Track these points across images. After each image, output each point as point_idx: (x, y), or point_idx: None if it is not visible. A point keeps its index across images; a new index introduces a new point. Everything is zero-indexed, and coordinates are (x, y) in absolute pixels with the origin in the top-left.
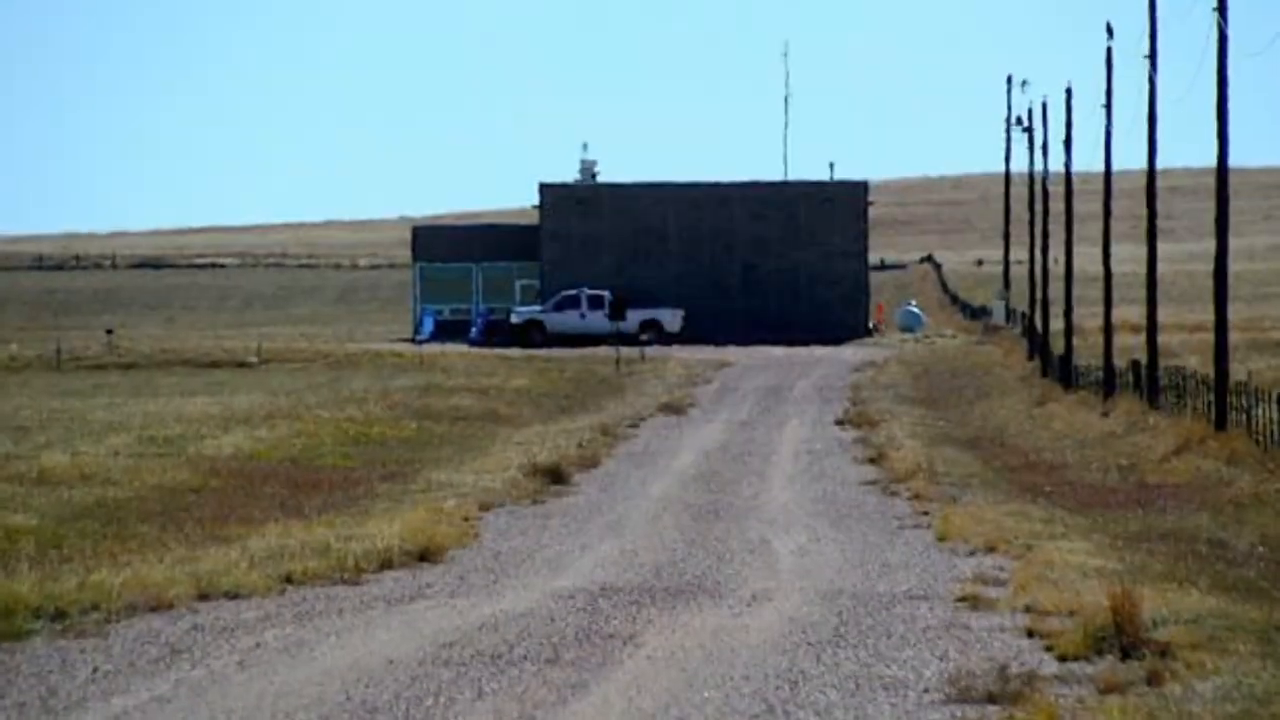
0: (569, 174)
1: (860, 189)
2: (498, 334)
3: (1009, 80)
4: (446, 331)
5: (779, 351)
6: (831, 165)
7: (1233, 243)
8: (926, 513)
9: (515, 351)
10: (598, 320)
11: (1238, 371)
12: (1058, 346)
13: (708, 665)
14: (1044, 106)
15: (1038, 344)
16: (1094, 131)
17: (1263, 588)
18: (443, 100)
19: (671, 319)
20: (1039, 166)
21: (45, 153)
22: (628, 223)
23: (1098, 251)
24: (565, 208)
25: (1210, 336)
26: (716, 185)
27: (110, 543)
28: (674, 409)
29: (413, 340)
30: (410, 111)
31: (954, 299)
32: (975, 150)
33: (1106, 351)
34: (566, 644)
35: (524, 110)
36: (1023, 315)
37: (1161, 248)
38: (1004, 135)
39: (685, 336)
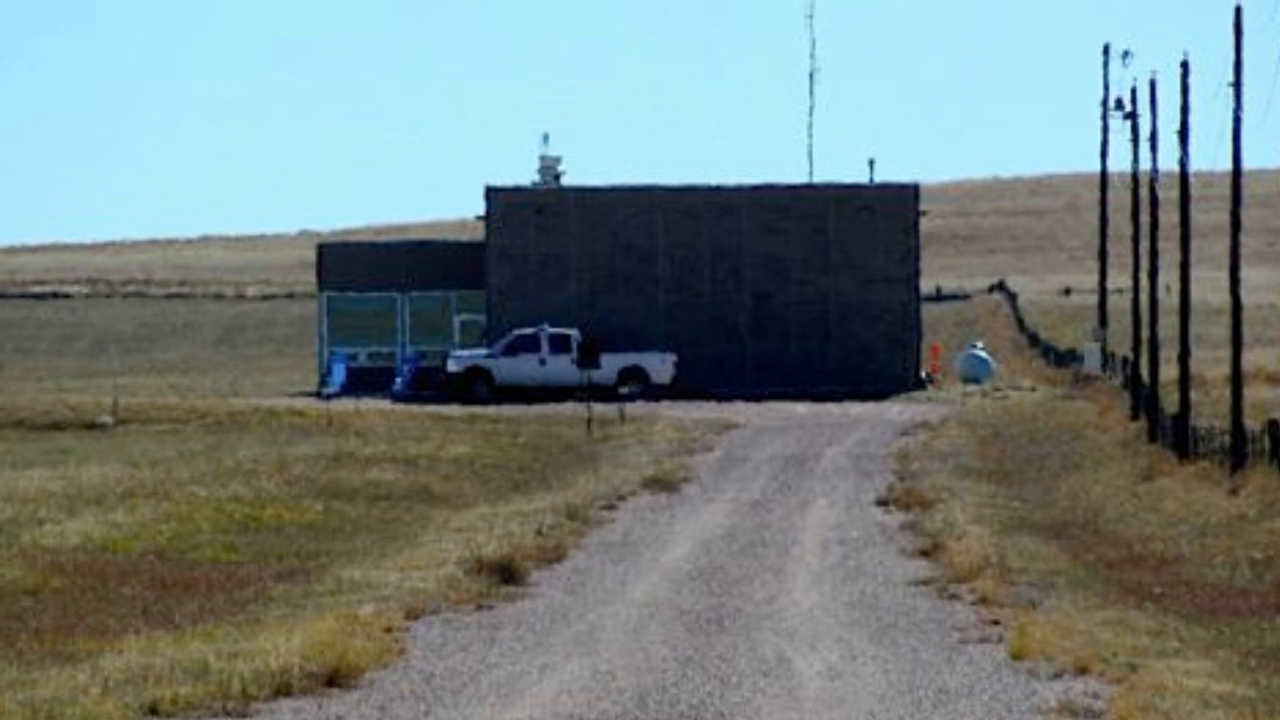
0: (525, 175)
1: (909, 194)
2: (430, 386)
3: (1105, 51)
4: (363, 383)
5: (802, 409)
6: (871, 163)
7: None
8: (997, 622)
9: (454, 409)
10: (562, 368)
11: None
12: (1170, 402)
13: None
14: (1152, 85)
15: (1144, 399)
16: (1217, 118)
17: None
18: (357, 81)
19: (660, 366)
20: (1145, 164)
21: None
22: (602, 239)
23: (1223, 276)
24: (520, 219)
25: None
26: (719, 189)
27: None
28: (664, 485)
29: (318, 394)
30: (313, 96)
31: (1033, 340)
32: (1060, 144)
33: (1235, 408)
34: None
35: (465, 92)
36: (1124, 361)
37: None
38: (1099, 124)
39: (678, 389)
